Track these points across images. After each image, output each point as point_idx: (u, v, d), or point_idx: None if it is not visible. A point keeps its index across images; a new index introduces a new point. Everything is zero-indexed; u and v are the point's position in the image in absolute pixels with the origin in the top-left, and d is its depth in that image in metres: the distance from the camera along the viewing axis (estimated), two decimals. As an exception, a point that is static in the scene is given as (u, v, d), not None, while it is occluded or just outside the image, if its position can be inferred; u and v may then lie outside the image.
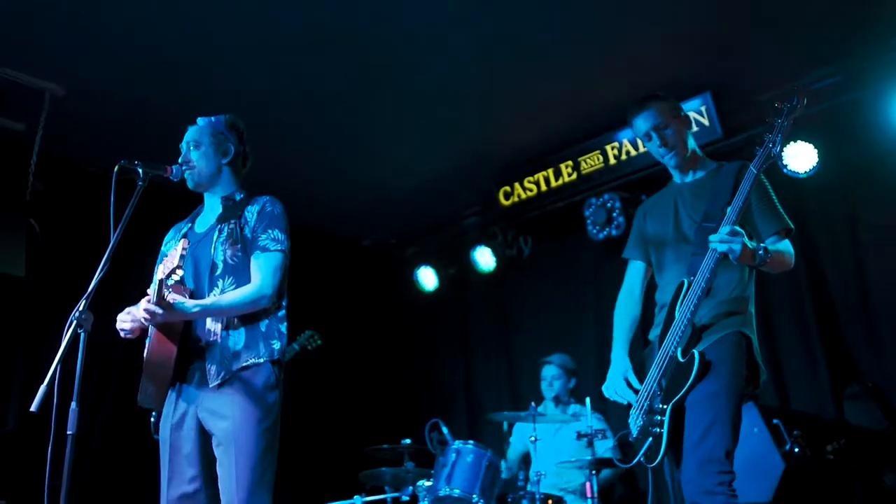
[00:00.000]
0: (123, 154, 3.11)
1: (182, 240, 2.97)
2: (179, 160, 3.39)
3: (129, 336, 3.22)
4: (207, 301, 3.15)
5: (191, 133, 3.44)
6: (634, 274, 3.64)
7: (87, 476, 5.47)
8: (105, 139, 5.61)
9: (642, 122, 3.43)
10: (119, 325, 3.20)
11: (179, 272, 2.90)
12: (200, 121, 3.47)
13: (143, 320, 3.07)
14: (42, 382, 2.53)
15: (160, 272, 2.92)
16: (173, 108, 5.21)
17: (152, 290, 2.99)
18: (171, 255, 2.90)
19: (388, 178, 6.52)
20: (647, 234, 3.55)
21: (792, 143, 5.24)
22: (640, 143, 5.49)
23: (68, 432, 2.56)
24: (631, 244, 3.66)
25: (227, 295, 3.19)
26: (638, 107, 3.45)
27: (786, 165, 5.23)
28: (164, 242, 3.54)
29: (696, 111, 5.51)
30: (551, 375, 5.76)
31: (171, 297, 3.00)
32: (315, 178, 6.35)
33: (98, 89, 5.19)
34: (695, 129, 5.50)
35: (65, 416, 2.57)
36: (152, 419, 3.32)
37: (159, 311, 2.97)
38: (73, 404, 2.57)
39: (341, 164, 6.27)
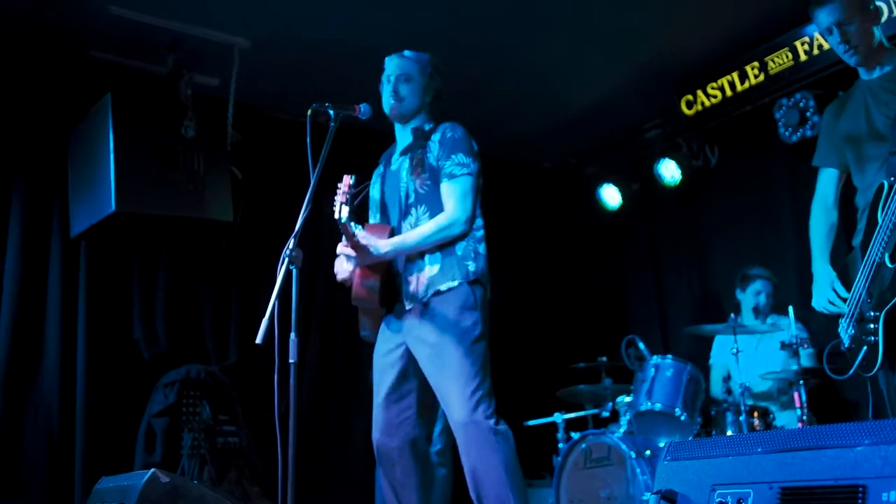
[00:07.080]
0: (311, 99, 3.16)
1: (346, 177, 3.03)
2: (390, 89, 3.41)
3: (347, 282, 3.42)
4: (397, 240, 3.25)
5: (400, 65, 3.43)
6: (827, 182, 3.46)
7: (306, 402, 5.86)
8: (291, 86, 5.83)
9: (825, 16, 3.22)
10: (338, 277, 3.43)
11: (346, 209, 2.96)
12: (409, 53, 3.46)
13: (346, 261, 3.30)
14: (256, 318, 2.71)
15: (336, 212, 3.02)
16: (352, 49, 5.37)
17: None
18: (339, 194, 2.99)
19: (565, 96, 6.40)
20: (838, 137, 3.36)
21: None
22: (833, 34, 5.13)
23: (290, 360, 2.74)
24: (821, 150, 3.47)
25: (419, 229, 3.28)
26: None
27: None
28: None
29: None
30: (767, 292, 5.56)
31: (363, 238, 3.14)
32: (491, 103, 6.32)
33: (280, 39, 5.37)
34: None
35: (285, 346, 2.75)
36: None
37: (352, 253, 3.14)
38: (293, 335, 2.75)
39: (518, 85, 6.19)
